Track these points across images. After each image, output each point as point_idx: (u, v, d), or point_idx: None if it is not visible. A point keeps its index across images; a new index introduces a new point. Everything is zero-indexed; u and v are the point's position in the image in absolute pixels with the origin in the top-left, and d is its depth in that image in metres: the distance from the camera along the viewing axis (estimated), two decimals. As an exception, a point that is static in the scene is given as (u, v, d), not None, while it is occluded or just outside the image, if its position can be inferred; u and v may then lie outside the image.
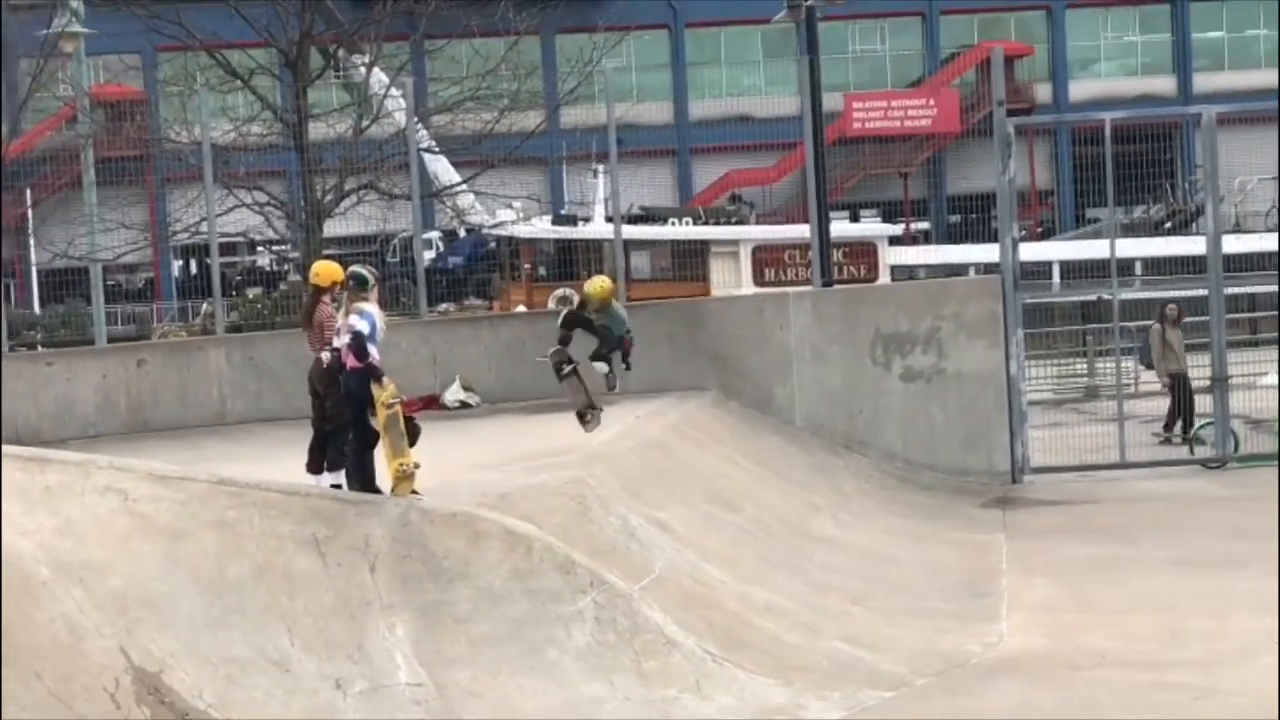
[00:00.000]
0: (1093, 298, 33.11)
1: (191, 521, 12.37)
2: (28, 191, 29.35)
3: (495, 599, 12.77)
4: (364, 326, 13.61)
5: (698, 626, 13.21)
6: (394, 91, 28.08)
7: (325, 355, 14.06)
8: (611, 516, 14.51)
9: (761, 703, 12.26)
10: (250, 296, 33.93)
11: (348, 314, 13.82)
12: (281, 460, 14.89)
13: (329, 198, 25.87)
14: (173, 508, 12.41)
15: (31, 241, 29.99)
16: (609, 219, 34.16)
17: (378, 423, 13.70)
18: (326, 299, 14.44)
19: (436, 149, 30.71)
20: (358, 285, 13.95)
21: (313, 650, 11.95)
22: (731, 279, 43.83)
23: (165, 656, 11.30)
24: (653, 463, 16.87)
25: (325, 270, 14.55)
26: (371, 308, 13.82)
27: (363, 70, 30.38)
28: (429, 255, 44.56)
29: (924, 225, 60.21)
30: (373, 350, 13.65)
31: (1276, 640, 12.91)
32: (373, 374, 13.66)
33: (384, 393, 13.61)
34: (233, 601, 12.01)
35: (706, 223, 47.32)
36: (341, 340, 13.80)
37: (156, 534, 12.18)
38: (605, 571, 13.23)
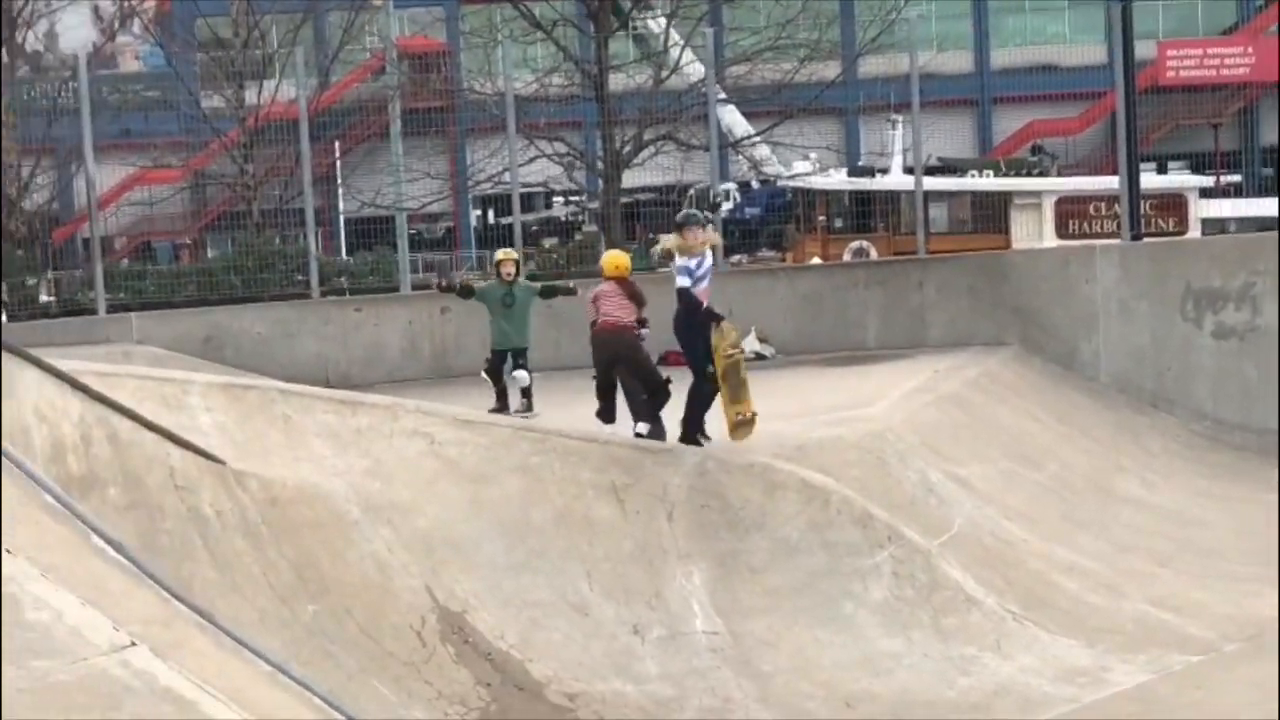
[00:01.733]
0: None
1: (495, 466, 12.58)
2: (336, 143, 30.13)
3: (791, 550, 12.73)
4: (683, 281, 13.72)
5: (997, 584, 12.99)
6: (693, 41, 28.08)
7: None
8: (910, 471, 14.33)
9: (1064, 664, 12.01)
10: (546, 246, 34.35)
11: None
12: (578, 408, 15.04)
13: (627, 149, 26.00)
14: (477, 452, 12.63)
15: (340, 191, 30.76)
16: (908, 170, 33.73)
17: (716, 370, 13.75)
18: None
19: (732, 101, 30.61)
20: (677, 228, 14.05)
21: (611, 595, 12.07)
22: (1033, 232, 42.85)
23: (469, 597, 11.52)
24: (952, 417, 16.60)
25: (610, 262, 14.85)
26: (688, 259, 13.81)
27: (660, 22, 30.43)
28: (726, 206, 44.58)
29: (1235, 178, 58.05)
30: (702, 288, 13.72)
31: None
32: (712, 319, 13.75)
33: (724, 340, 13.71)
34: (535, 545, 12.19)
35: (1007, 174, 46.36)
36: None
37: (462, 477, 12.42)
38: (903, 526, 13.08)
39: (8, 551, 5.33)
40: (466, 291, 17.49)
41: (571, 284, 17.88)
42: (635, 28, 31.97)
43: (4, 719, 4.46)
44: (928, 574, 12.71)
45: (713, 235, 14.83)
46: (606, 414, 14.35)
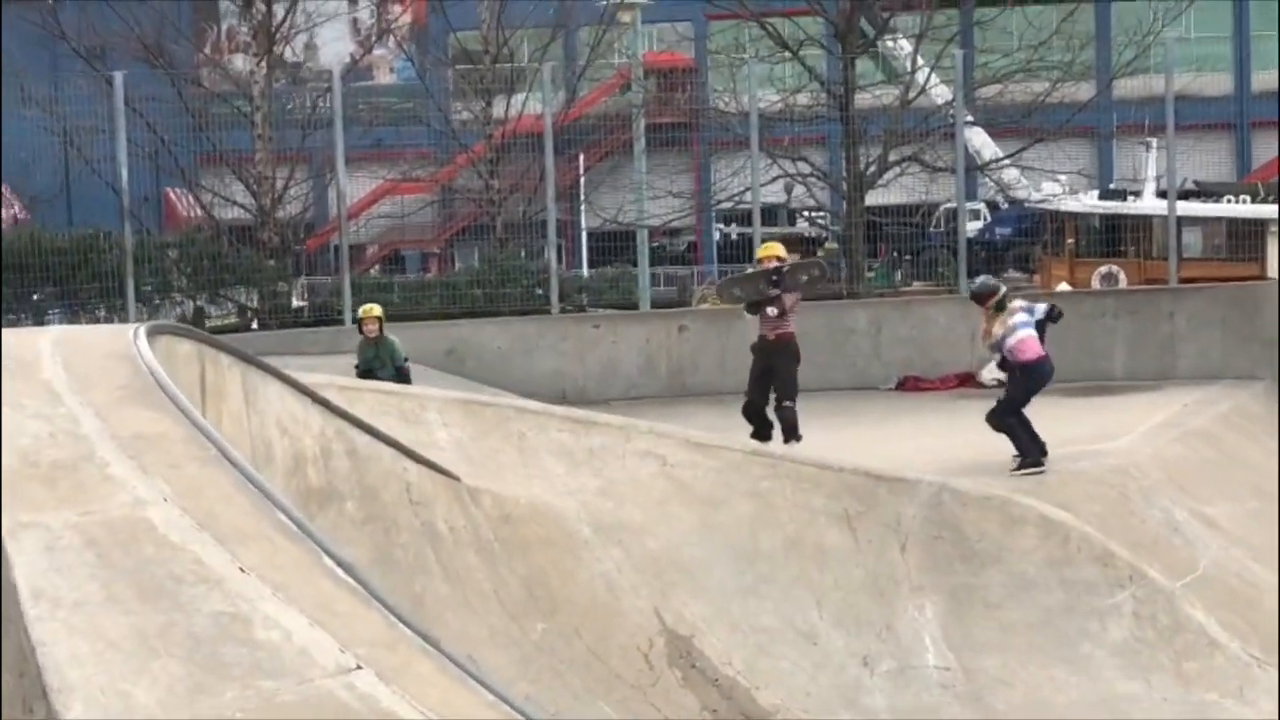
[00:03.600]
0: None
1: (726, 490, 12.51)
2: (580, 157, 30.37)
3: (1028, 586, 12.44)
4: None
5: (1241, 628, 12.54)
6: (941, 63, 27.71)
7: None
8: (1154, 509, 13.91)
9: (1312, 715, 11.54)
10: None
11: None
12: (813, 432, 14.88)
13: (871, 169, 25.77)
14: (709, 475, 12.58)
15: (583, 206, 31.01)
16: (1161, 194, 32.87)
17: None
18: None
19: (976, 122, 30.14)
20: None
21: (841, 625, 11.92)
22: (1291, 261, 41.42)
23: (697, 621, 11.47)
24: (1200, 454, 16.10)
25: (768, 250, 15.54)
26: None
27: (906, 44, 30.10)
28: (976, 226, 43.96)
29: None
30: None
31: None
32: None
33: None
34: (764, 571, 12.09)
35: (1265, 200, 44.90)
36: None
37: (693, 500, 12.38)
38: (1146, 566, 12.70)
39: (240, 570, 5.41)
40: None
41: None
42: (881, 50, 31.59)
43: None
44: (1170, 615, 12.33)
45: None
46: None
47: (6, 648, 5.10)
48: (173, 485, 5.81)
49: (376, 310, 17.86)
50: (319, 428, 9.67)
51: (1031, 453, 14.19)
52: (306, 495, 9.37)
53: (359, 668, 5.12)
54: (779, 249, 15.80)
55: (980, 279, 15.48)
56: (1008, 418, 14.38)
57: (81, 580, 5.21)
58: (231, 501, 5.86)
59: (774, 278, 14.96)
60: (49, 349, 7.03)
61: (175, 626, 5.05)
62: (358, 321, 17.60)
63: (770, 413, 14.73)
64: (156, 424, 6.28)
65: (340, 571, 5.67)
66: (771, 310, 14.93)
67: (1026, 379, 14.57)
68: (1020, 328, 14.58)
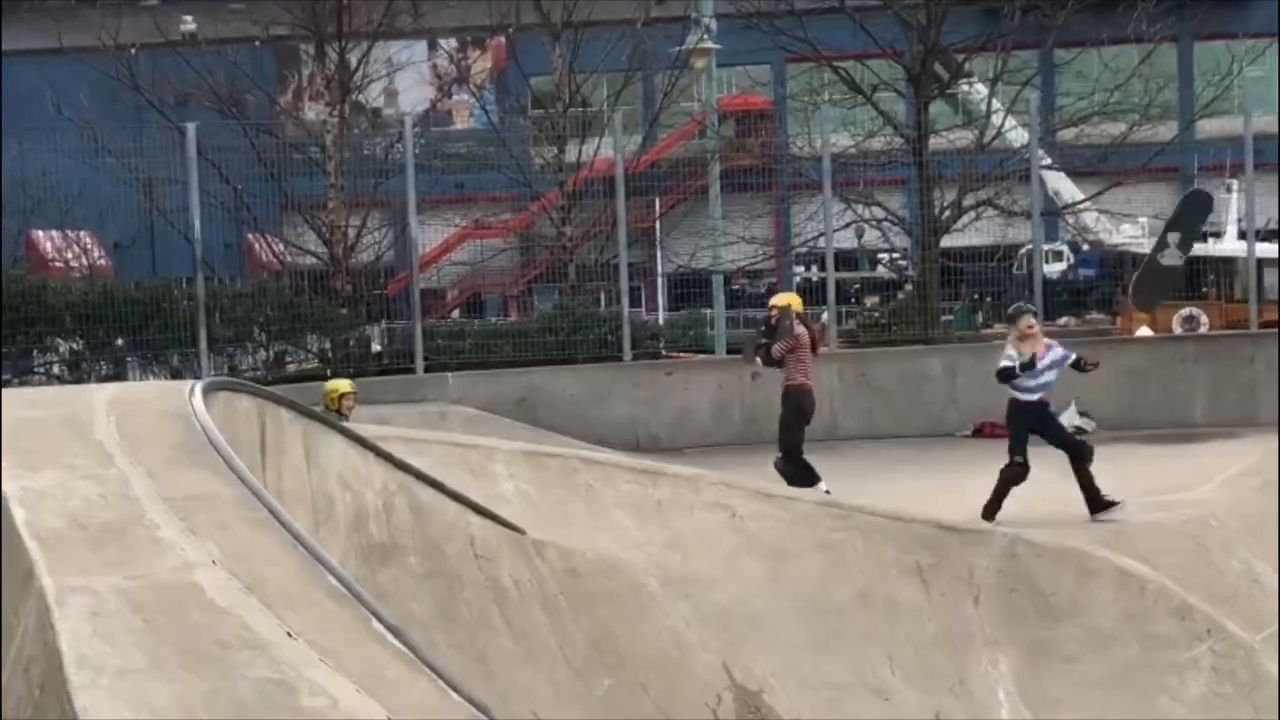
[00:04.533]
0: None
1: (796, 542, 12.35)
2: (656, 202, 30.36)
3: (1104, 640, 12.21)
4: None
5: (1324, 684, 12.26)
6: (1017, 107, 27.52)
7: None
8: (1233, 560, 13.65)
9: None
10: (868, 305, 34.02)
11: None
12: (886, 481, 14.74)
13: (947, 214, 25.60)
14: (778, 526, 12.43)
15: (659, 251, 30.98)
16: (1242, 235, 32.48)
17: None
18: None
19: (1056, 166, 29.90)
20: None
21: (913, 680, 11.73)
22: (1377, 304, 40.81)
23: (766, 676, 11.32)
24: (1281, 503, 15.78)
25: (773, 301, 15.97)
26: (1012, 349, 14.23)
27: (979, 88, 29.92)
28: (1060, 267, 43.61)
29: None
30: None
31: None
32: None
33: None
34: (834, 625, 11.92)
35: (1350, 241, 44.27)
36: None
37: (762, 552, 12.23)
38: (1224, 619, 12.44)
39: (288, 634, 5.35)
40: None
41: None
42: (958, 94, 31.38)
43: None
44: (1249, 670, 12.08)
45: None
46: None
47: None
48: (222, 547, 5.77)
49: (345, 386, 16.26)
50: (381, 482, 9.62)
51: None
52: (369, 551, 9.31)
53: (406, 735, 5.06)
54: (783, 299, 15.89)
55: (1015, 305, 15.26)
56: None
57: (127, 647, 5.16)
58: (281, 563, 5.80)
59: (763, 329, 15.31)
60: (103, 408, 7.02)
61: (220, 693, 5.00)
62: (328, 401, 15.59)
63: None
64: (208, 484, 6.24)
65: (390, 636, 5.60)
66: (757, 360, 15.30)
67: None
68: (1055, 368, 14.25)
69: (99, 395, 7.37)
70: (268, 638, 5.29)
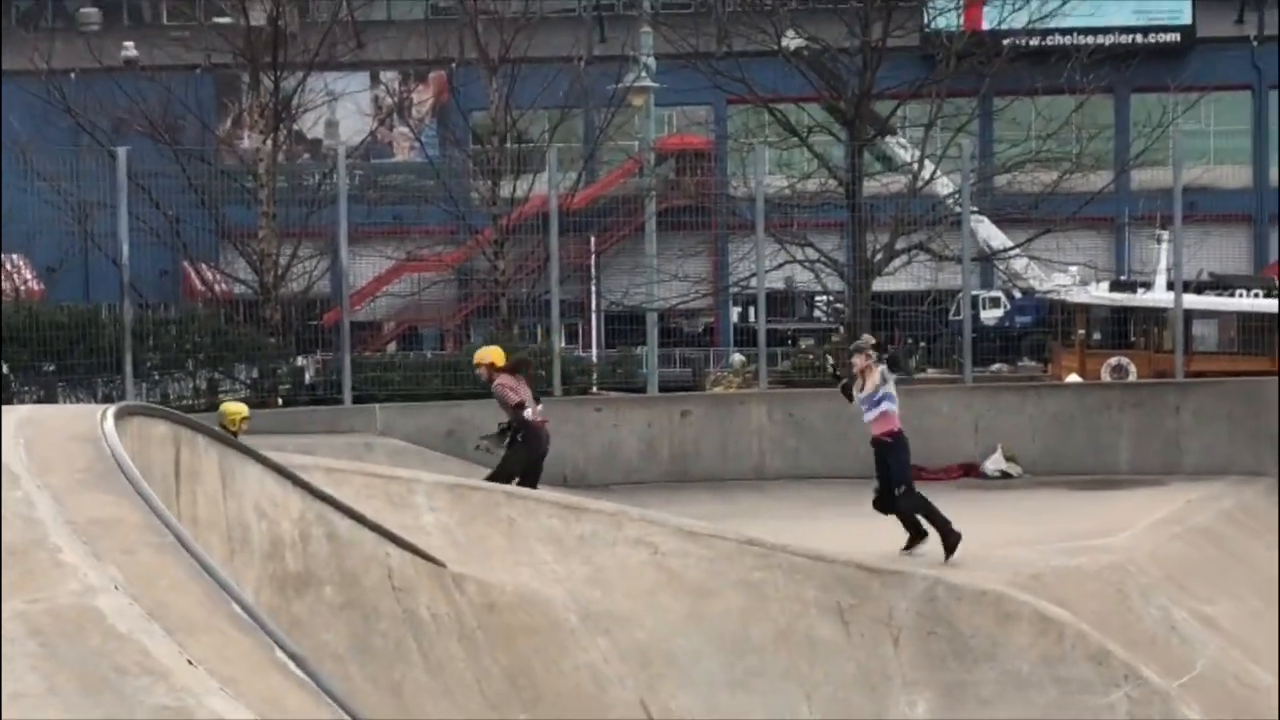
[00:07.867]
0: None
1: (717, 579, 12.36)
2: (592, 239, 30.37)
3: (1021, 684, 12.25)
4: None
5: (1239, 731, 12.34)
6: (950, 152, 27.71)
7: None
8: (1152, 607, 13.72)
9: (1306, 824, 11.32)
10: (802, 347, 34.15)
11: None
12: (812, 521, 14.75)
13: (879, 256, 25.72)
14: (700, 564, 12.43)
15: (594, 287, 30.99)
16: (1171, 286, 32.79)
17: None
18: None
19: (981, 212, 30.11)
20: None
21: (830, 720, 11.73)
22: (1304, 357, 41.20)
23: (684, 714, 11.30)
24: (1201, 551, 15.90)
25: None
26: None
27: (912, 138, 30.10)
28: (997, 314, 43.90)
29: None
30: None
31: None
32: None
33: None
34: (753, 664, 11.93)
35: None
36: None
37: (683, 589, 12.22)
38: (1141, 665, 12.51)
39: (188, 662, 5.29)
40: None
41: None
42: (881, 145, 31.48)
43: None
44: (1164, 716, 12.13)
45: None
46: None
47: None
48: (125, 572, 5.69)
49: (245, 410, 16.24)
50: (299, 511, 9.55)
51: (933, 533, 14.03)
52: (284, 580, 9.24)
53: (303, 766, 5.01)
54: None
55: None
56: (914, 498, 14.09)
57: (22, 671, 5.09)
58: (184, 590, 5.74)
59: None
60: (13, 429, 6.94)
61: (116, 720, 4.94)
62: (227, 423, 15.38)
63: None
64: (114, 508, 6.16)
65: (293, 665, 5.55)
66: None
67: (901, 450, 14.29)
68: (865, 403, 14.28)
69: (10, 417, 7.29)
70: (167, 664, 5.22)
